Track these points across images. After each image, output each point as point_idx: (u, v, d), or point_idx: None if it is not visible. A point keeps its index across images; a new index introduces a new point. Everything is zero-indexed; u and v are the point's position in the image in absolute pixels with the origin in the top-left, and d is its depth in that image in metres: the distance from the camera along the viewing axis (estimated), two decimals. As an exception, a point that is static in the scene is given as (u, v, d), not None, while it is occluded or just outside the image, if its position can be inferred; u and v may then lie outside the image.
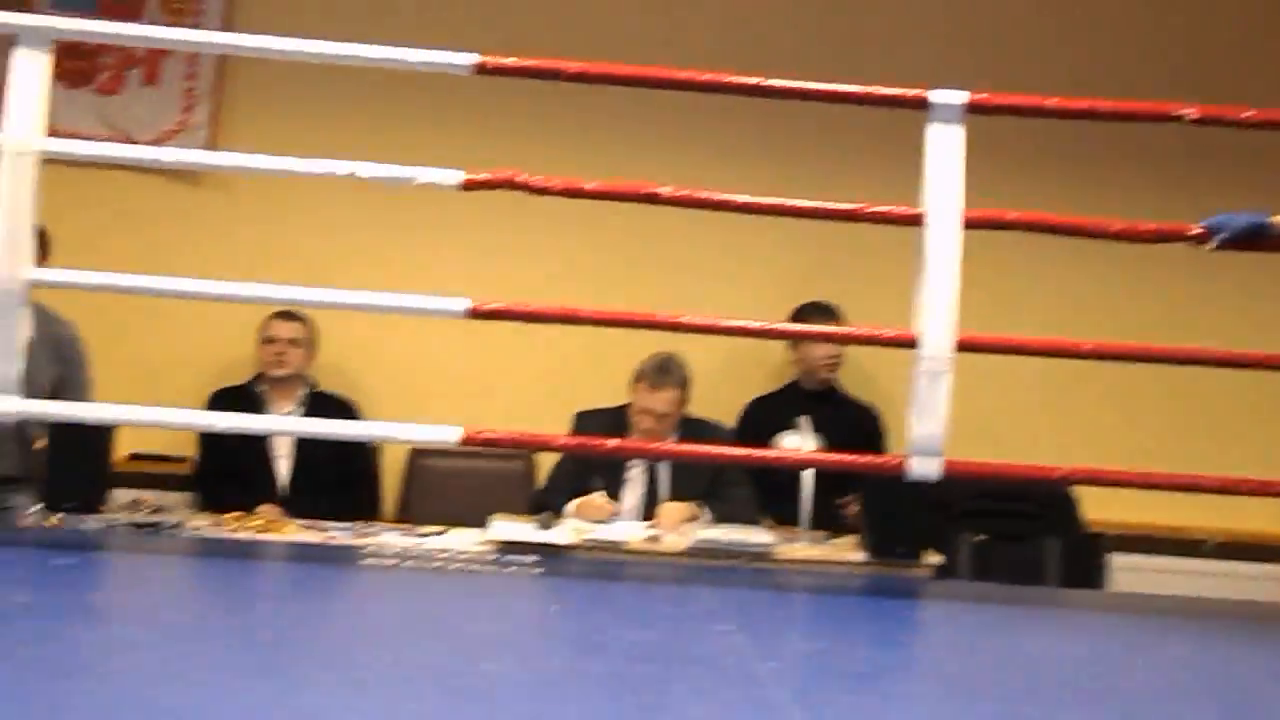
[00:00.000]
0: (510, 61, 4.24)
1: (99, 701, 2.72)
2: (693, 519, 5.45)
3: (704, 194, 4.30)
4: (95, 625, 3.66)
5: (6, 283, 4.19)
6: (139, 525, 4.91)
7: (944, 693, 3.21)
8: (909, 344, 4.14)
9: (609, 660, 3.26)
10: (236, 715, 2.60)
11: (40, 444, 5.07)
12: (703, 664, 3.25)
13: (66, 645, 3.33)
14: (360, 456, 6.02)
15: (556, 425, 5.54)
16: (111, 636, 3.46)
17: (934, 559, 5.11)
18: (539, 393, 6.51)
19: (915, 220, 4.16)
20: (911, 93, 4.22)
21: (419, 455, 6.44)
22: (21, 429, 4.99)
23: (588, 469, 5.65)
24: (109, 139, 6.11)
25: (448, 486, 6.34)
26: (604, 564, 4.91)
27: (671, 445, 5.62)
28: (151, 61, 6.29)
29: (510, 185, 4.21)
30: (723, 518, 5.49)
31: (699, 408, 5.88)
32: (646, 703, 2.88)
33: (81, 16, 5.71)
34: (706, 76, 4.34)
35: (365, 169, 4.28)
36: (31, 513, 4.91)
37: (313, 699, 2.77)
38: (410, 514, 6.12)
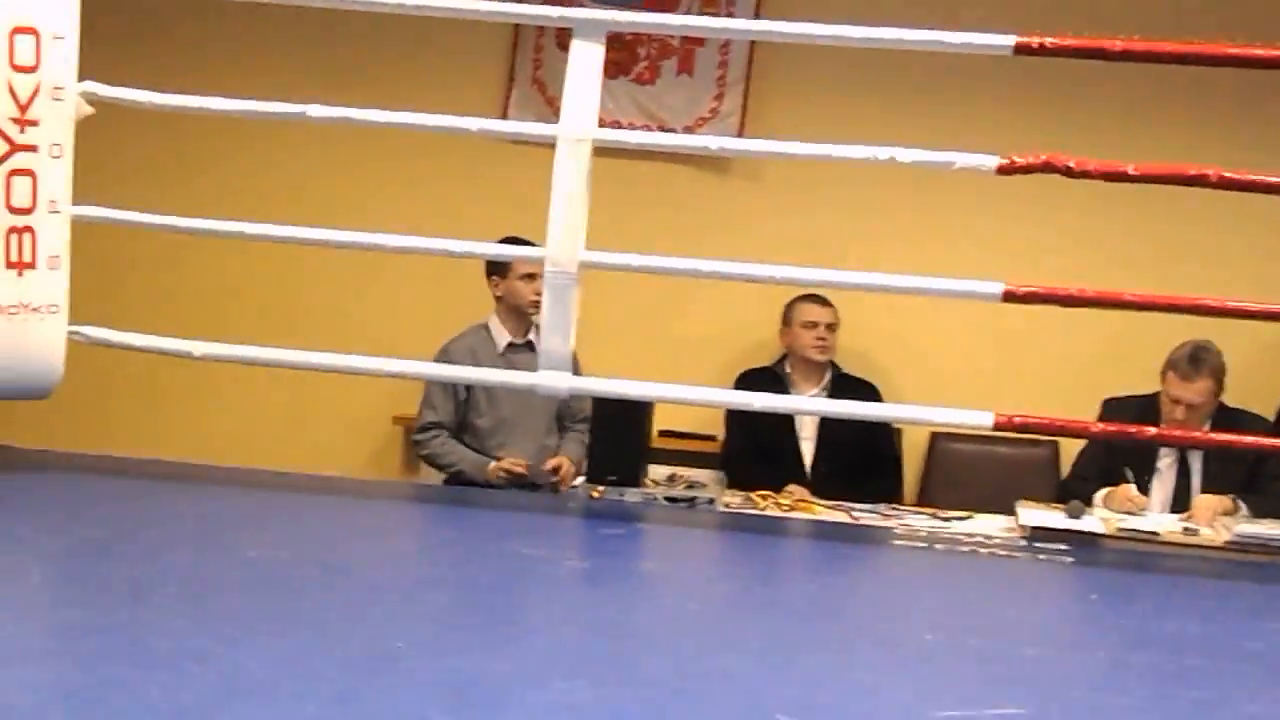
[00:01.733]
0: (1051, 41, 4.19)
1: (664, 666, 2.87)
2: (1230, 513, 5.26)
3: (1256, 176, 4.16)
4: (648, 593, 3.86)
5: (565, 265, 4.43)
6: (674, 499, 5.09)
7: None
8: None
9: (1155, 652, 3.21)
10: (797, 685, 2.71)
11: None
12: (1257, 661, 3.17)
13: (624, 610, 3.54)
14: (884, 439, 6.07)
15: (1079, 413, 5.41)
16: (664, 604, 3.65)
17: None
18: (1062, 379, 6.43)
19: None
20: None
21: (939, 439, 6.48)
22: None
23: (1117, 458, 5.53)
24: (645, 127, 6.33)
25: (969, 471, 6.36)
26: (1137, 555, 4.82)
27: (1208, 434, 5.45)
28: (686, 51, 6.48)
29: (1048, 168, 4.18)
30: (1263, 513, 5.26)
31: (1235, 398, 5.68)
32: (1200, 698, 2.83)
33: (626, 9, 6.01)
34: (1271, 53, 4.17)
35: (904, 154, 4.33)
36: (577, 485, 5.18)
37: (861, 676, 2.85)
38: (930, 498, 6.16)
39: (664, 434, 6.21)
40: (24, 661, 2.96)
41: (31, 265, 4.57)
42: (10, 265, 4.52)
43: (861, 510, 5.21)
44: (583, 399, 5.34)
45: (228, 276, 6.29)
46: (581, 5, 6.14)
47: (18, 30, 4.51)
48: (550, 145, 4.51)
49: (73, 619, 3.26)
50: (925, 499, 6.19)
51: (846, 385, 5.95)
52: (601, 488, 5.10)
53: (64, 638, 3.15)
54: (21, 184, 4.53)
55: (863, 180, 6.18)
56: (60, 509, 4.31)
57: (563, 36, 5.42)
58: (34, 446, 4.94)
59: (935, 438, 6.46)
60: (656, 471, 5.55)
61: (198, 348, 4.88)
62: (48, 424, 5.05)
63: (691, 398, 5.10)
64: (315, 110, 4.80)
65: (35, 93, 4.54)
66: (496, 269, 5.52)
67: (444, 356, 5.46)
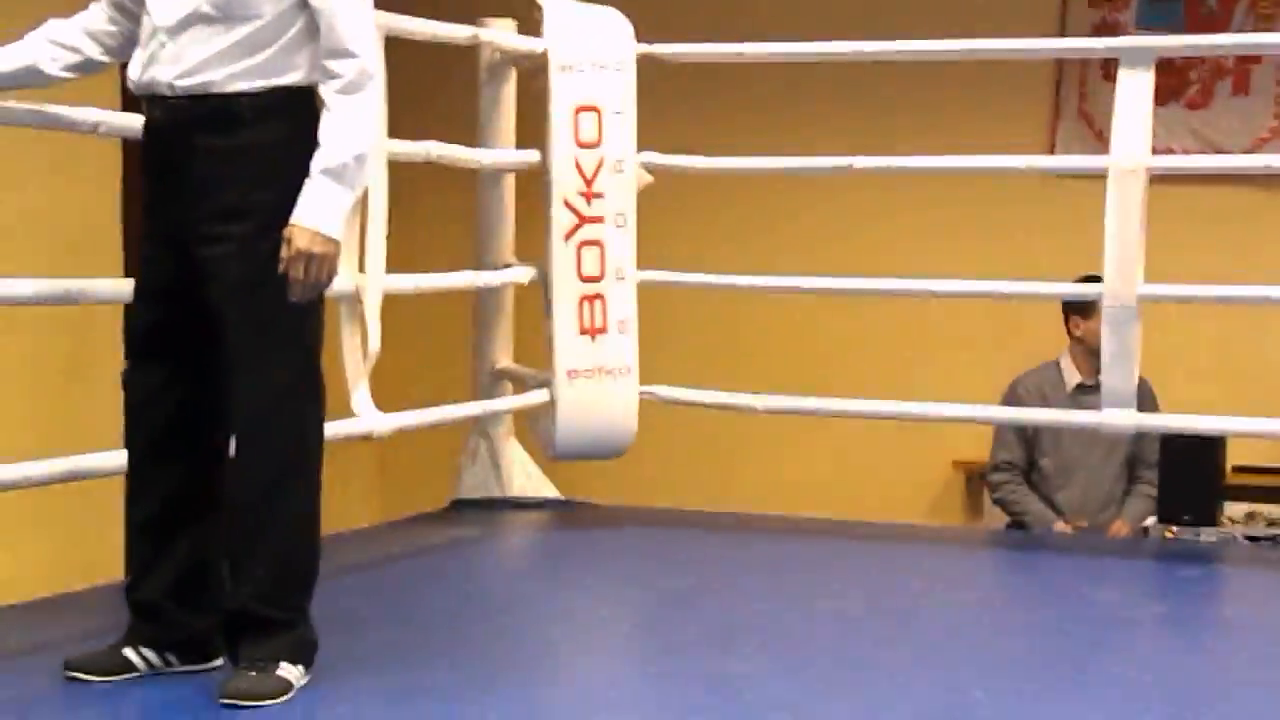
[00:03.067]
0: None
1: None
2: None
3: None
4: (1230, 640, 3.79)
5: (1124, 298, 4.38)
6: (1255, 538, 5.01)
7: None
8: None
9: None
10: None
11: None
12: None
13: (1206, 657, 3.50)
14: None
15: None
16: (1246, 651, 3.60)
17: None
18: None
19: None
20: None
21: None
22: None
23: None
24: (1199, 152, 6.18)
25: None
26: None
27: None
28: (1241, 70, 6.27)
29: None
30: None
31: None
32: None
33: (1170, 32, 5.89)
34: None
35: None
36: (1149, 524, 5.09)
37: None
38: None
39: (1239, 469, 5.94)
40: (616, 711, 3.16)
41: (603, 330, 4.86)
42: (584, 331, 4.81)
43: None
44: (1154, 441, 5.20)
45: (782, 330, 6.42)
46: (1126, 33, 6.08)
47: (581, 109, 4.80)
48: (1101, 177, 4.52)
49: (664, 668, 3.44)
50: None
51: None
52: (1175, 528, 4.99)
53: (656, 687, 3.33)
54: (590, 254, 4.83)
55: None
56: (642, 561, 4.55)
57: (1108, 67, 5.32)
58: (610, 502, 5.15)
59: None
60: (1233, 509, 5.43)
61: (760, 401, 5.08)
62: (621, 480, 5.22)
63: (1268, 430, 4.94)
64: (860, 161, 4.95)
65: (599, 167, 4.85)
66: (1078, 309, 5.38)
67: (1011, 393, 5.46)
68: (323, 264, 2.97)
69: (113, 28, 3.22)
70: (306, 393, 3.12)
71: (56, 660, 3.10)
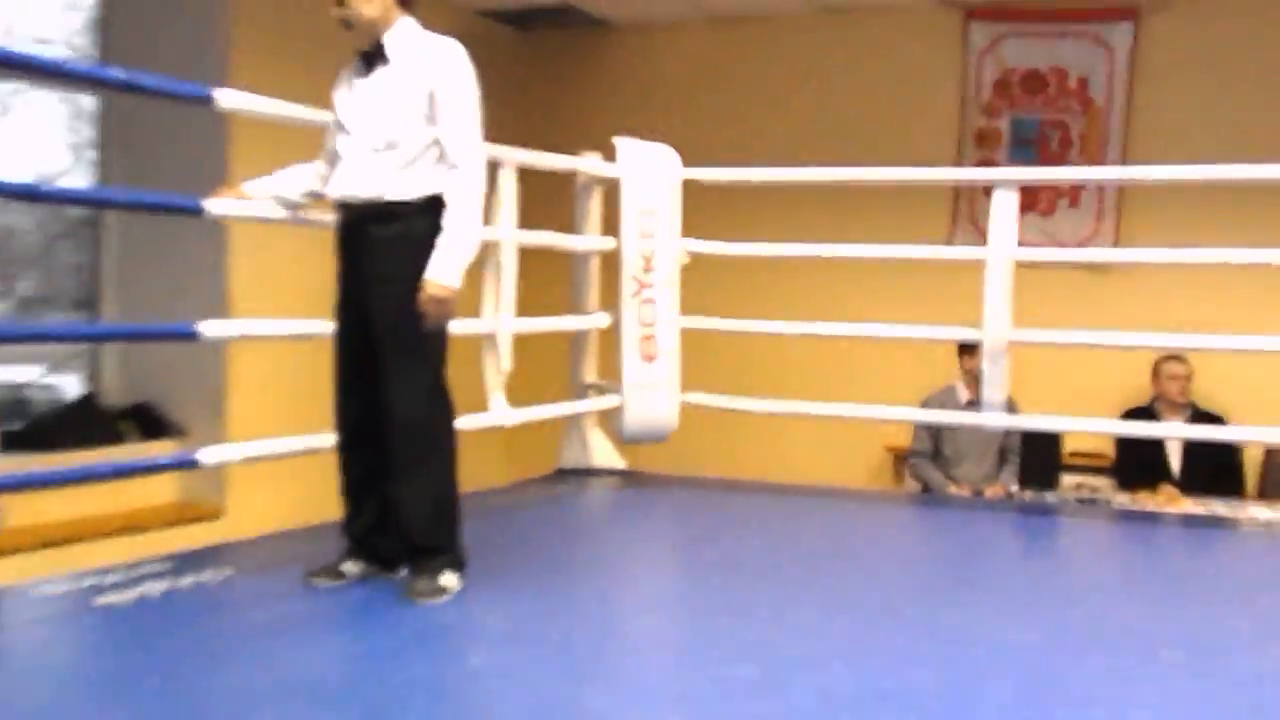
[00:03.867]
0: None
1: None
2: None
3: None
4: (1061, 556, 4.03)
5: (998, 342, 4.57)
6: (1081, 500, 5.09)
7: None
8: None
9: None
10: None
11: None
12: None
13: (1048, 563, 3.77)
14: (1230, 454, 5.84)
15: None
16: (1076, 561, 3.82)
17: None
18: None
19: None
20: None
21: (1272, 454, 6.18)
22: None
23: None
24: (1046, 245, 6.33)
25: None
26: None
27: None
28: (1073, 191, 6.42)
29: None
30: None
31: None
32: None
33: (1030, 164, 6.13)
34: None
35: (1237, 255, 4.39)
36: (1013, 490, 5.26)
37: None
38: (1268, 495, 5.92)
39: (1072, 454, 6.13)
40: (660, 598, 3.40)
41: (655, 358, 5.03)
42: (643, 358, 4.99)
43: (1217, 503, 5.08)
44: (1016, 436, 5.36)
45: (777, 356, 6.36)
46: (1000, 165, 6.28)
47: (643, 213, 4.99)
48: (982, 261, 4.64)
49: (690, 580, 3.61)
50: (1265, 495, 5.93)
51: (1201, 417, 5.80)
52: (1030, 491, 5.19)
53: (682, 590, 3.50)
54: (648, 308, 4.99)
55: (1210, 280, 5.99)
56: (681, 511, 4.65)
57: (988, 189, 5.43)
58: (660, 471, 5.22)
59: (1268, 453, 6.12)
60: (1067, 480, 5.58)
61: (760, 405, 5.22)
62: (667, 456, 5.35)
63: (1090, 428, 5.11)
64: (828, 249, 5.08)
65: (654, 251, 5.01)
66: (967, 349, 5.45)
67: (924, 405, 5.55)
68: (445, 305, 3.05)
69: (326, 171, 3.32)
70: (437, 394, 3.17)
71: (300, 570, 3.27)
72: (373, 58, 3.16)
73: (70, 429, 5.20)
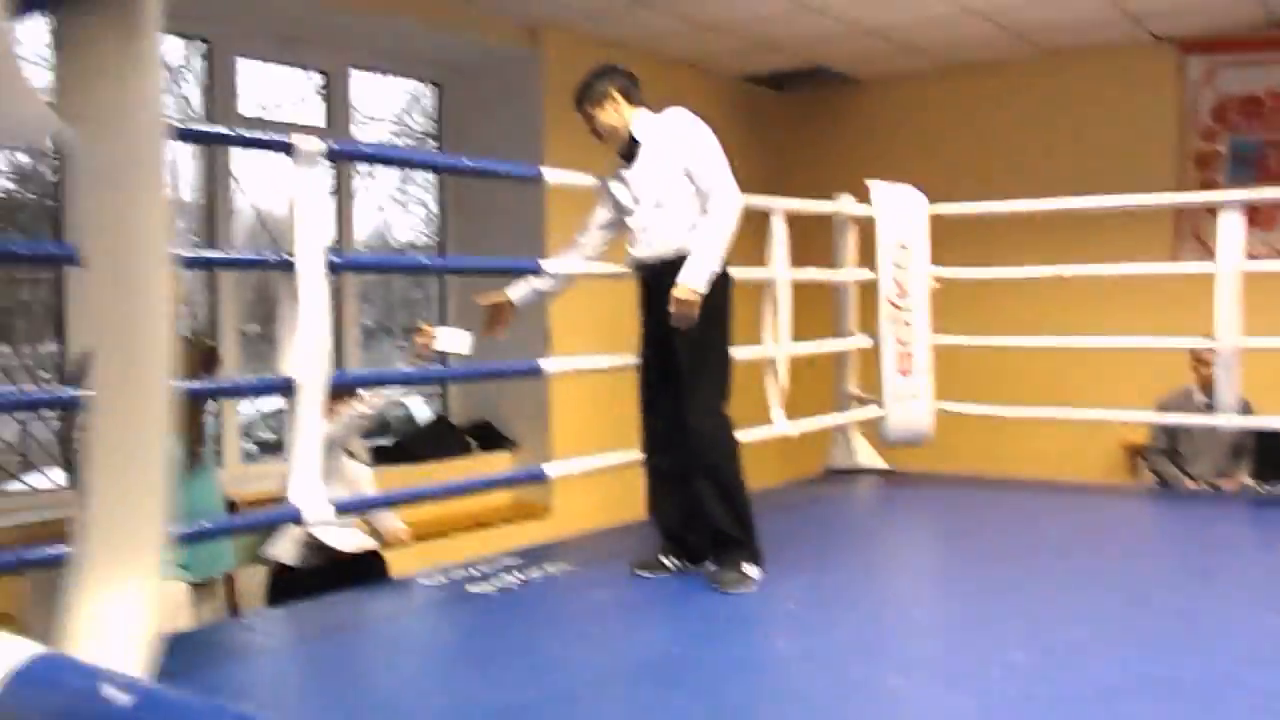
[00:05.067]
0: None
1: None
2: None
3: None
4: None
5: (1231, 348, 4.30)
6: None
7: None
8: None
9: None
10: None
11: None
12: None
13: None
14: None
15: None
16: None
17: None
18: None
19: None
20: None
21: None
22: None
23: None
24: (1271, 257, 5.91)
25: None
26: None
27: None
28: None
29: None
30: None
31: None
32: None
33: (1249, 183, 5.75)
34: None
35: None
36: (1247, 483, 4.96)
37: None
38: None
39: None
40: (929, 581, 3.27)
41: (911, 372, 4.99)
42: (900, 372, 4.97)
43: None
44: (1250, 435, 5.02)
45: (1022, 366, 5.89)
46: (1221, 188, 5.91)
47: (897, 245, 4.97)
48: (1211, 275, 4.45)
49: (950, 568, 3.54)
50: None
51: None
52: (1266, 486, 4.90)
53: (946, 576, 3.40)
54: (904, 329, 4.96)
55: None
56: (937, 505, 4.57)
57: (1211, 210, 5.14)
58: (917, 470, 5.14)
59: None
60: None
61: (1010, 411, 5.08)
62: (924, 457, 5.23)
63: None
64: (1067, 269, 4.92)
65: (907, 280, 4.97)
66: (1201, 354, 5.06)
67: (1160, 406, 5.18)
68: (691, 305, 3.10)
69: (603, 245, 3.51)
70: (722, 409, 3.22)
71: (624, 562, 3.39)
72: (630, 151, 3.32)
73: (429, 443, 5.52)
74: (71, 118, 0.54)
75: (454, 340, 3.44)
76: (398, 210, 5.97)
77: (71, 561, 0.62)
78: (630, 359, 3.50)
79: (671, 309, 3.11)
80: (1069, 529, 4.02)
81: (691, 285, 3.11)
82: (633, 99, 3.30)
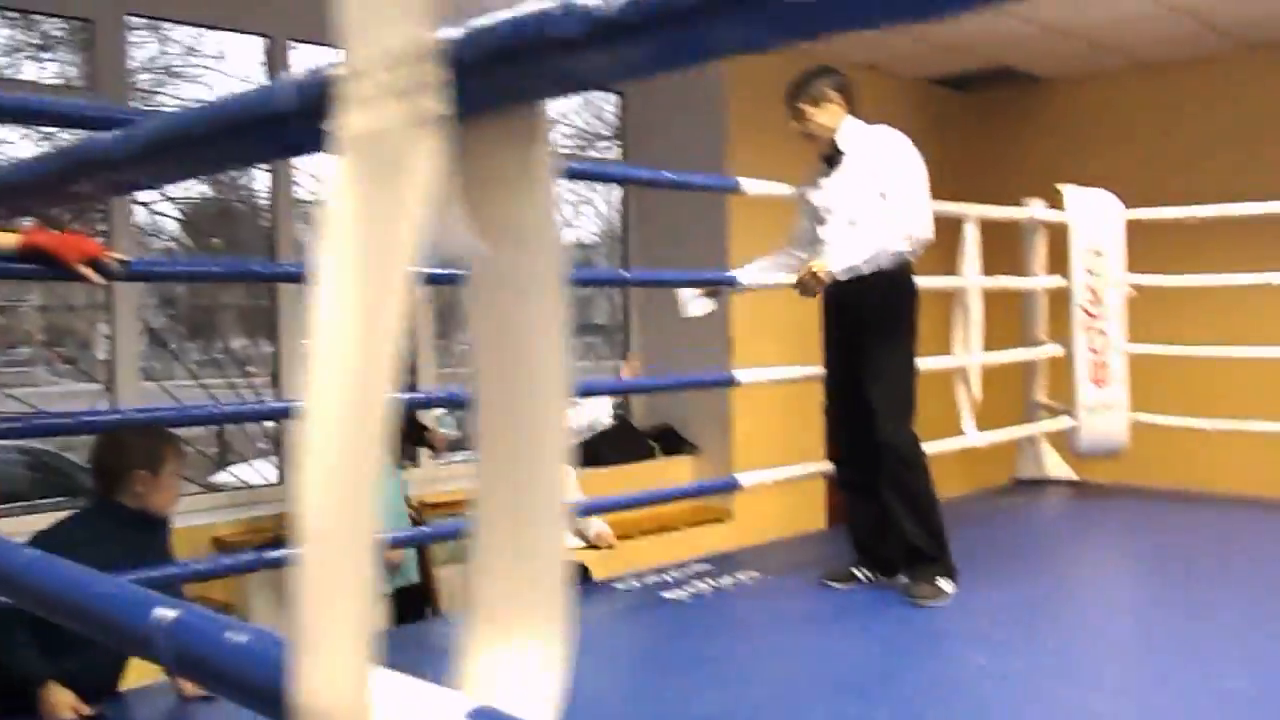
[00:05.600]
0: None
1: None
2: None
3: None
4: None
5: None
6: None
7: None
8: None
9: None
10: None
11: None
12: None
13: None
14: None
15: None
16: None
17: None
18: None
19: None
20: None
21: None
22: None
23: None
24: None
25: None
26: None
27: None
28: None
29: None
30: None
31: None
32: None
33: None
34: None
35: None
36: None
37: None
38: None
39: None
40: (1120, 603, 3.23)
41: (1105, 381, 4.85)
42: (1094, 381, 4.83)
43: None
44: None
45: (1221, 375, 5.53)
46: None
47: (1091, 251, 4.83)
48: None
49: (1147, 588, 3.45)
50: None
51: None
52: None
53: (1141, 598, 3.33)
54: (1098, 337, 4.83)
55: None
56: (1131, 518, 4.44)
57: None
58: (1109, 482, 5.00)
59: None
60: None
61: (1209, 424, 4.92)
62: (1108, 467, 5.09)
63: None
64: (1275, 277, 4.67)
65: (1101, 287, 4.83)
66: None
67: None
68: (819, 282, 3.09)
69: (791, 255, 3.44)
70: (909, 422, 3.17)
71: (811, 572, 3.39)
72: (832, 158, 3.27)
73: (612, 447, 5.62)
74: (477, 230, 0.60)
75: (698, 305, 3.49)
76: (569, 211, 6.09)
77: (468, 606, 0.67)
78: (817, 369, 3.51)
79: (800, 276, 3.13)
80: (1269, 545, 3.86)
81: (829, 267, 3.10)
82: (849, 104, 3.27)
